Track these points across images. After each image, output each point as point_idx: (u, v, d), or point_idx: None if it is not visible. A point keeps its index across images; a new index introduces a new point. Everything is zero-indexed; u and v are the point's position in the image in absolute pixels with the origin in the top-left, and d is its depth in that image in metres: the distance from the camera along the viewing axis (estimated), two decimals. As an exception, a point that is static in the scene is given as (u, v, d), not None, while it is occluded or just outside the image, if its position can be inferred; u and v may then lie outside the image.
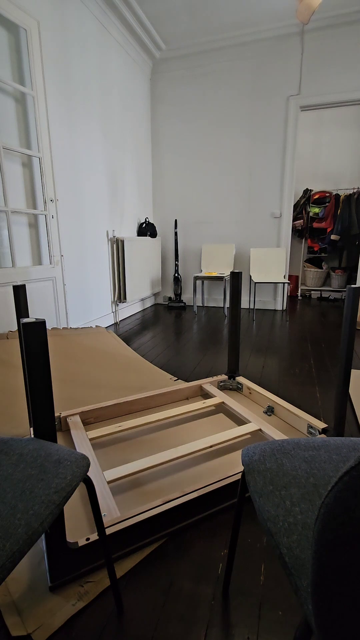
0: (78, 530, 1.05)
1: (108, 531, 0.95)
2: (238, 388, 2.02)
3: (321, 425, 1.50)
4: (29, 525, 0.54)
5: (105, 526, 0.95)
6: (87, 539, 0.92)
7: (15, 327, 2.47)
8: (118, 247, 3.65)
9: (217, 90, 4.01)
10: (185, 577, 0.93)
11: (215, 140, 4.16)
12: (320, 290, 5.22)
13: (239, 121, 4.02)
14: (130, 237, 3.73)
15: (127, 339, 3.11)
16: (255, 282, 3.95)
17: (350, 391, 2.00)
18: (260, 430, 1.51)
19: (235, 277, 1.87)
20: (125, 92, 3.70)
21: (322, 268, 5.23)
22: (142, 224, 4.24)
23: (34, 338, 0.74)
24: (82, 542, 0.92)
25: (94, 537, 0.93)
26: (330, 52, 3.55)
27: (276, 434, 1.45)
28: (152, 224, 4.35)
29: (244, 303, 4.48)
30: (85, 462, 0.71)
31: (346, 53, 3.51)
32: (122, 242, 3.61)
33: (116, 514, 1.02)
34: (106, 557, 0.82)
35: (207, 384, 1.95)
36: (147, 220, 4.26)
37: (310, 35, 3.58)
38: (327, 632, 0.41)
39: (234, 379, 2.02)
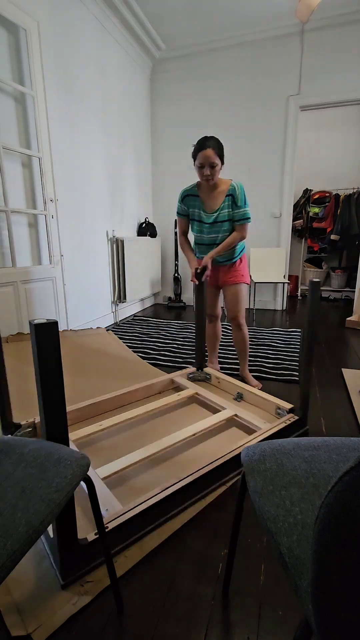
0: (78, 528, 1.06)
1: (113, 524, 0.98)
2: (207, 379, 2.13)
3: (288, 405, 1.65)
4: (30, 524, 0.54)
5: (109, 520, 0.99)
6: (96, 534, 0.94)
7: (16, 329, 2.47)
8: (118, 247, 3.65)
9: (217, 90, 4.01)
10: (185, 577, 0.93)
11: (215, 140, 4.15)
12: (320, 290, 5.22)
13: (238, 121, 4.02)
14: (130, 237, 3.73)
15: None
16: (255, 282, 3.95)
17: (350, 391, 2.01)
18: (235, 415, 1.63)
19: (200, 274, 1.97)
20: (125, 92, 3.70)
21: (322, 268, 5.23)
22: (142, 224, 4.24)
23: (46, 339, 0.73)
24: (91, 537, 0.93)
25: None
26: (330, 52, 3.55)
27: (251, 417, 1.59)
28: (152, 224, 4.35)
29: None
30: (85, 462, 0.71)
31: (346, 53, 3.51)
32: (122, 242, 3.61)
33: (118, 506, 1.05)
34: (106, 556, 0.82)
35: (178, 376, 2.06)
36: (147, 220, 4.26)
37: (310, 35, 3.57)
38: (327, 632, 0.41)
39: (202, 371, 2.14)
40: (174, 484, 1.14)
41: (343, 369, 2.33)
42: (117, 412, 1.79)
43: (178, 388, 2.04)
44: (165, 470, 1.34)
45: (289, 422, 1.52)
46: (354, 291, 4.53)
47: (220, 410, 1.71)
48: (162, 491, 1.10)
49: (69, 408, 1.67)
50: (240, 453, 1.24)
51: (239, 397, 1.90)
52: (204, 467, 1.22)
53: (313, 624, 0.43)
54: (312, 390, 2.05)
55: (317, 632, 0.42)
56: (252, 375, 2.23)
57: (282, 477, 0.64)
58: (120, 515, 1.00)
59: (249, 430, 1.61)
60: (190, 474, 1.18)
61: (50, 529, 0.95)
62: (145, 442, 1.52)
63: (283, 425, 1.50)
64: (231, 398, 1.92)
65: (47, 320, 0.72)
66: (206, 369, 2.13)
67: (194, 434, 1.46)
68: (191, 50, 3.93)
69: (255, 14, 3.40)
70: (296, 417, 1.56)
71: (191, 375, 2.13)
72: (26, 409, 1.74)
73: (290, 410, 1.63)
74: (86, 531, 1.04)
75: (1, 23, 2.20)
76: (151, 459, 1.39)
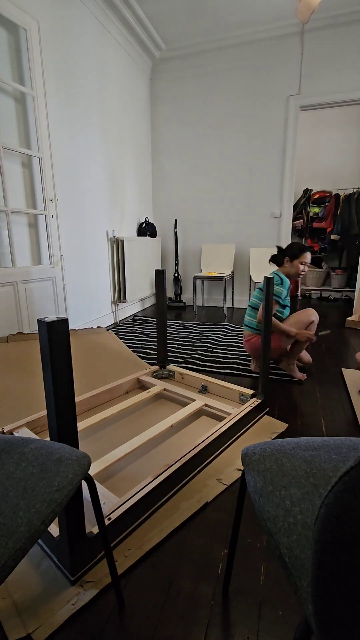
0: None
1: (114, 515, 1.00)
2: (170, 376, 2.22)
3: (250, 392, 1.80)
4: (31, 524, 0.54)
5: (110, 512, 1.02)
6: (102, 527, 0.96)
7: (16, 328, 2.47)
8: (118, 247, 3.65)
9: (217, 90, 4.01)
10: (185, 577, 0.93)
11: (215, 140, 4.16)
12: (320, 290, 5.22)
13: (239, 121, 4.02)
14: (130, 237, 3.73)
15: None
16: (255, 282, 3.95)
17: (350, 391, 2.01)
18: (206, 404, 1.75)
19: (159, 274, 2.04)
20: (125, 92, 3.70)
21: (322, 268, 5.23)
22: (142, 223, 4.24)
23: (58, 337, 0.72)
24: (96, 530, 0.95)
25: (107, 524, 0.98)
26: (330, 52, 3.55)
27: (220, 405, 1.72)
28: (152, 224, 4.35)
29: (244, 303, 4.48)
30: (86, 461, 0.71)
31: (346, 53, 3.51)
32: (122, 242, 3.61)
33: (115, 499, 1.09)
34: (107, 554, 0.82)
35: (143, 375, 2.12)
36: (147, 220, 4.26)
37: (310, 35, 3.58)
38: (327, 632, 0.41)
39: (165, 368, 2.23)
40: (164, 471, 1.19)
41: (343, 369, 2.33)
42: (88, 415, 1.81)
43: (144, 387, 2.10)
44: (152, 461, 1.40)
45: (253, 406, 1.67)
46: (354, 291, 4.53)
47: (189, 403, 1.81)
48: (154, 479, 1.15)
49: (37, 415, 1.66)
50: (218, 437, 1.41)
51: (204, 390, 2.03)
52: (189, 451, 1.30)
53: (313, 624, 0.43)
54: (312, 390, 2.06)
55: (317, 632, 0.42)
56: (255, 375, 2.24)
57: (282, 477, 0.64)
58: (121, 506, 1.04)
59: (219, 417, 1.73)
60: (179, 459, 1.25)
61: (52, 529, 0.95)
62: (125, 438, 1.57)
63: (249, 408, 1.64)
64: (196, 391, 2.04)
65: (57, 317, 0.72)
66: (169, 367, 2.22)
67: (171, 425, 1.54)
68: (191, 50, 3.93)
69: (256, 14, 3.40)
70: (259, 401, 1.71)
71: (155, 374, 2.21)
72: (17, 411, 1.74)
73: (253, 396, 1.78)
74: (86, 527, 1.06)
75: (1, 23, 2.20)
76: (135, 452, 1.45)
